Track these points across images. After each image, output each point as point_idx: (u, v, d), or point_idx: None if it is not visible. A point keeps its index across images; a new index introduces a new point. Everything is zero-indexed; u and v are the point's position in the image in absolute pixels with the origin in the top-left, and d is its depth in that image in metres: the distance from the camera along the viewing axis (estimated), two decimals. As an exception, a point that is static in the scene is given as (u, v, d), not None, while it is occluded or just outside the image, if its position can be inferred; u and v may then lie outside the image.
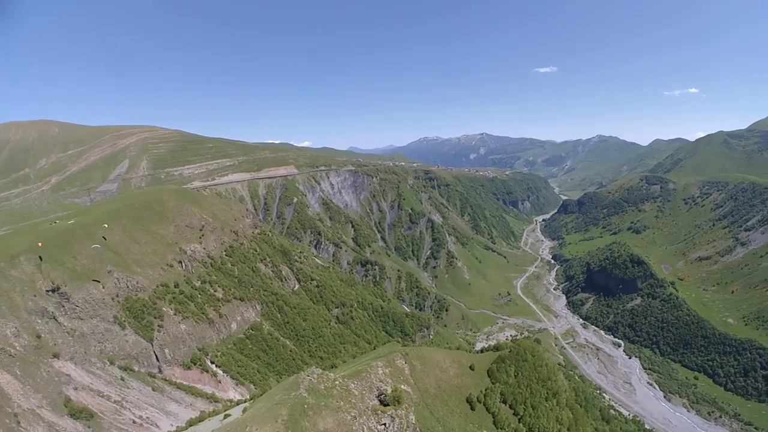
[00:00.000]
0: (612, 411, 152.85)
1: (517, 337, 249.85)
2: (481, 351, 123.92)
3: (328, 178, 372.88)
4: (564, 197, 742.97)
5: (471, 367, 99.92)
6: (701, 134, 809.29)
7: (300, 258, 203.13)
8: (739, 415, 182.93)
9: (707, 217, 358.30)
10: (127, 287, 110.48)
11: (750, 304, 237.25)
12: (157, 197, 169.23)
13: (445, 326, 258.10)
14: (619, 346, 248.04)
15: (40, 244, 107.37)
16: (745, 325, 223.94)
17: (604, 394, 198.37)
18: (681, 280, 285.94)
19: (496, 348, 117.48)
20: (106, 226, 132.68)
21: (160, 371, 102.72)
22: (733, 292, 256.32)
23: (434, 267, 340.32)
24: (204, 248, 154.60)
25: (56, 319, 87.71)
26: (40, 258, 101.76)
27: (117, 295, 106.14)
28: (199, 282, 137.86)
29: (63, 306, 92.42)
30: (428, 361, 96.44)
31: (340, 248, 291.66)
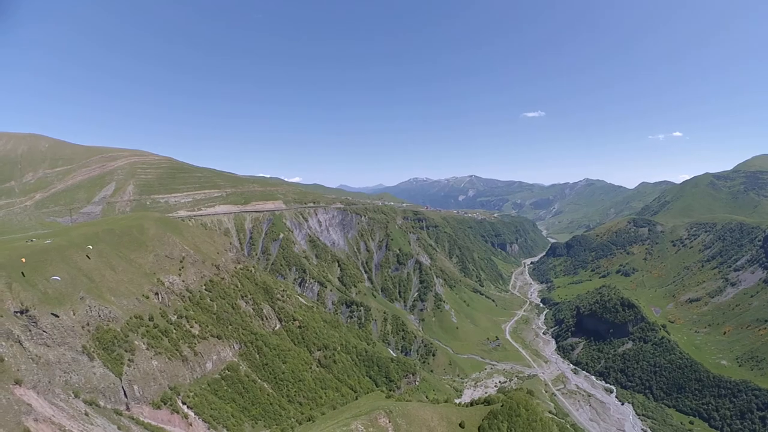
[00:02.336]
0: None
1: (506, 384, 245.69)
2: (471, 404, 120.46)
3: (316, 215, 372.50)
4: (552, 240, 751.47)
5: (461, 425, 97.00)
6: (686, 176, 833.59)
7: (283, 296, 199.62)
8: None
9: (696, 258, 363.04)
10: (99, 316, 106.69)
11: (743, 344, 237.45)
12: (138, 224, 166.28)
13: (432, 372, 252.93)
14: (611, 392, 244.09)
15: (23, 260, 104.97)
16: (739, 366, 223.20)
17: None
18: (672, 322, 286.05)
19: (487, 401, 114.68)
20: (90, 247, 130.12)
21: (128, 408, 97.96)
22: (725, 333, 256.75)
23: (421, 309, 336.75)
24: (183, 281, 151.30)
25: (21, 344, 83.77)
26: (23, 274, 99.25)
27: (88, 324, 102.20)
28: (176, 316, 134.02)
29: (30, 330, 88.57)
30: (414, 419, 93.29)
31: (325, 287, 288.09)
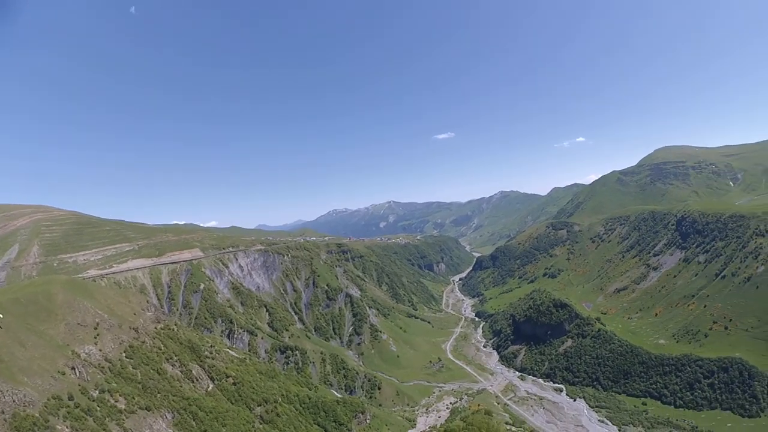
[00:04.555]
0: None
1: (457, 404, 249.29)
2: None
3: (237, 259, 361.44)
4: (477, 254, 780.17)
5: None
6: (594, 176, 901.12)
7: (211, 352, 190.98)
8: (697, 427, 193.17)
9: (616, 250, 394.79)
10: (14, 401, 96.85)
11: (676, 322, 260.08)
12: (45, 289, 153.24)
13: (381, 406, 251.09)
14: (561, 391, 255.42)
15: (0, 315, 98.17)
16: (677, 342, 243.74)
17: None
18: (605, 314, 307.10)
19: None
20: (1, 316, 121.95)
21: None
22: (656, 314, 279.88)
23: (359, 344, 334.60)
24: (100, 350, 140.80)
25: None
26: None
27: (2, 411, 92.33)
28: (97, 391, 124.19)
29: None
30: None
31: (256, 336, 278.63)
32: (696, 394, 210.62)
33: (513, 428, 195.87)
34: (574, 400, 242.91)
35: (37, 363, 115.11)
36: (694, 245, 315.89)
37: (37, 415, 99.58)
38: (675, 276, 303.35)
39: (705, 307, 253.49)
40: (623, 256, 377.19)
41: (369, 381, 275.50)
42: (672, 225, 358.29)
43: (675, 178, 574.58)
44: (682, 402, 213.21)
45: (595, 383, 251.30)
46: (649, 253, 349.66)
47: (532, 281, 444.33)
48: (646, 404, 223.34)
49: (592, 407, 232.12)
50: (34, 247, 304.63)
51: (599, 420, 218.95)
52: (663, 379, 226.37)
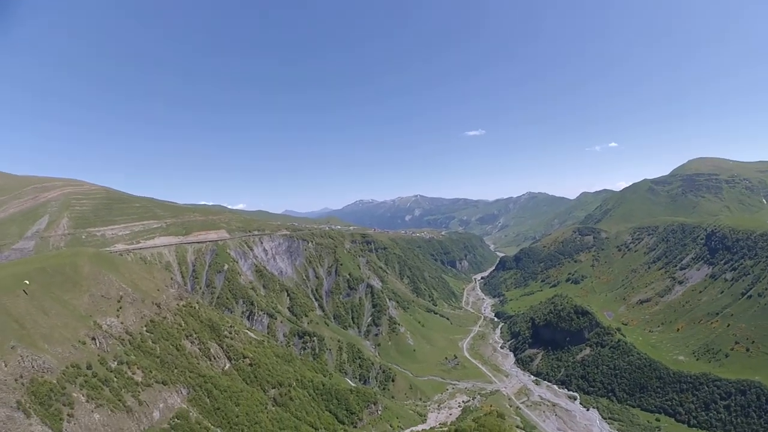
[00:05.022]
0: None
1: (469, 403, 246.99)
2: None
3: (262, 243, 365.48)
4: (500, 254, 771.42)
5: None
6: (624, 184, 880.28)
7: (231, 333, 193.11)
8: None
9: (642, 261, 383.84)
10: (33, 367, 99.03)
11: (697, 339, 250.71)
12: (72, 261, 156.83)
13: (393, 398, 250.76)
14: (575, 399, 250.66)
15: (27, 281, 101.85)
16: (697, 360, 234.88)
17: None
18: (625, 324, 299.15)
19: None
20: (27, 282, 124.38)
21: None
22: (678, 329, 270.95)
23: (376, 334, 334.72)
24: (122, 322, 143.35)
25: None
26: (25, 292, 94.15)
27: (21, 376, 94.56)
28: (116, 363, 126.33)
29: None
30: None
31: (275, 319, 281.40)
32: (711, 414, 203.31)
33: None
34: (588, 410, 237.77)
35: (58, 331, 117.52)
36: (722, 262, 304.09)
37: (54, 381, 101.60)
38: (700, 292, 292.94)
39: (728, 326, 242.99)
40: (649, 267, 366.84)
41: (383, 372, 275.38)
42: (701, 239, 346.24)
43: (707, 191, 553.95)
44: (696, 422, 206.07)
45: (610, 394, 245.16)
46: (676, 266, 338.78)
47: (554, 285, 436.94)
48: (659, 420, 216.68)
49: (604, 418, 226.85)
50: (63, 219, 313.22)
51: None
52: (679, 396, 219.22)
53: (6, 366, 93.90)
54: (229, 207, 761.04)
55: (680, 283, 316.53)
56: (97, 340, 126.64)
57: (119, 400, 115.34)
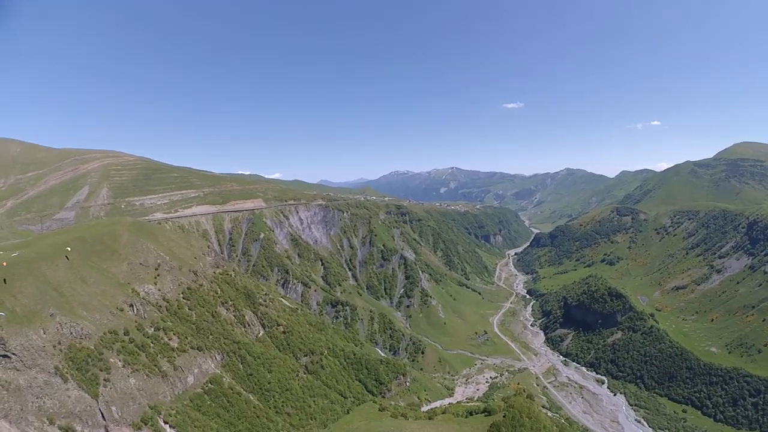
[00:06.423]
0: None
1: (497, 379, 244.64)
2: (471, 413, 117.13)
3: (298, 212, 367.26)
4: (535, 230, 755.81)
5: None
6: (665, 164, 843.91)
7: (265, 300, 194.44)
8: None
9: (680, 246, 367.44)
10: (71, 334, 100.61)
11: (731, 331, 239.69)
12: (111, 230, 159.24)
13: (422, 370, 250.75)
14: (603, 383, 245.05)
15: (5, 263, 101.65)
16: (729, 353, 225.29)
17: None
18: (659, 310, 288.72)
19: (487, 411, 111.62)
20: (69, 248, 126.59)
21: (107, 431, 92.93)
22: (713, 320, 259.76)
23: (408, 306, 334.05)
24: (159, 290, 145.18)
25: (-11, 369, 78.44)
26: (5, 281, 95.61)
27: (59, 343, 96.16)
28: (152, 329, 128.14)
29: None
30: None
31: (309, 288, 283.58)
32: (738, 411, 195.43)
33: (549, 413, 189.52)
34: (615, 395, 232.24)
35: (97, 299, 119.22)
36: (763, 253, 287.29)
37: (92, 347, 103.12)
38: (738, 282, 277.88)
39: (764, 320, 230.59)
40: (687, 253, 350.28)
41: (414, 344, 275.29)
42: (742, 227, 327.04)
43: (751, 178, 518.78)
44: (722, 416, 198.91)
45: (638, 381, 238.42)
46: (715, 254, 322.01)
47: (588, 265, 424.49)
48: (686, 412, 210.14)
49: (631, 405, 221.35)
50: (103, 190, 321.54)
51: (636, 419, 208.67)
52: (708, 389, 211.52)
53: (45, 333, 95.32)
54: (266, 176, 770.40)
55: (718, 271, 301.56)
56: (134, 307, 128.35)
57: (155, 365, 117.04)
